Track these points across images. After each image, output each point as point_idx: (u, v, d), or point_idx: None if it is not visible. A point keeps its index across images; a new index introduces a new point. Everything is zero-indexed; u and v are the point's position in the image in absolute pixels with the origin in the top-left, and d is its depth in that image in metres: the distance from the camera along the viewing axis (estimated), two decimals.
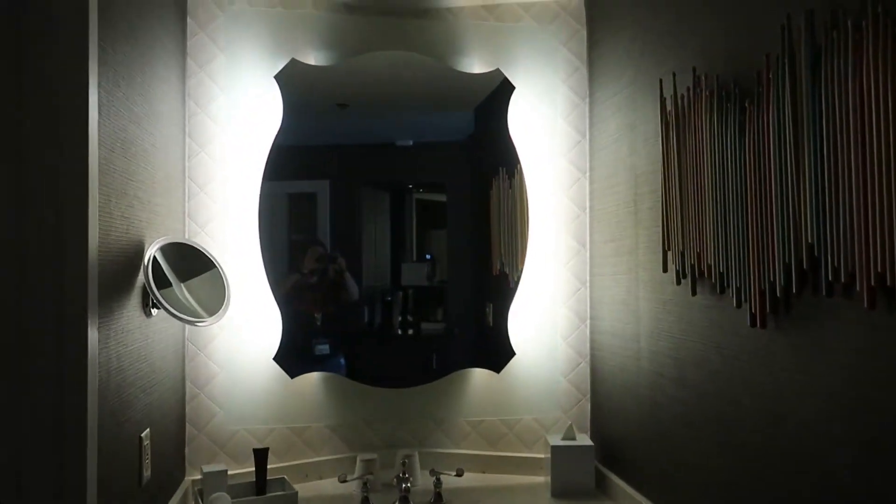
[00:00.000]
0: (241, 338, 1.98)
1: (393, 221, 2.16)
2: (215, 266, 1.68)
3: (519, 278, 2.10)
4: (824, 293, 1.06)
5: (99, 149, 1.19)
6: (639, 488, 1.77)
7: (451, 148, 2.22)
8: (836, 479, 1.08)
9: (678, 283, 1.52)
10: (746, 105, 1.24)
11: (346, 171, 2.13)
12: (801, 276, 1.11)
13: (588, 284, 2.13)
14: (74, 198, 1.11)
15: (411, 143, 2.17)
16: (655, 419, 1.68)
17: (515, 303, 2.10)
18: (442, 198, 2.23)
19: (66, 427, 1.11)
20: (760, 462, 1.26)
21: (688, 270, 1.47)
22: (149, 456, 1.53)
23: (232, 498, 1.77)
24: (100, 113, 1.20)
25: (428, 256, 2.19)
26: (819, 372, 1.10)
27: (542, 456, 2.10)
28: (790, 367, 1.17)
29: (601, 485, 1.95)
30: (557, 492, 1.93)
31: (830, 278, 1.03)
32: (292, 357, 2.01)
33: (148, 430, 1.53)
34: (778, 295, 1.16)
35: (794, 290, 1.12)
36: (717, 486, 1.41)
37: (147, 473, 1.52)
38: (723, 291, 1.35)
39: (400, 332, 2.15)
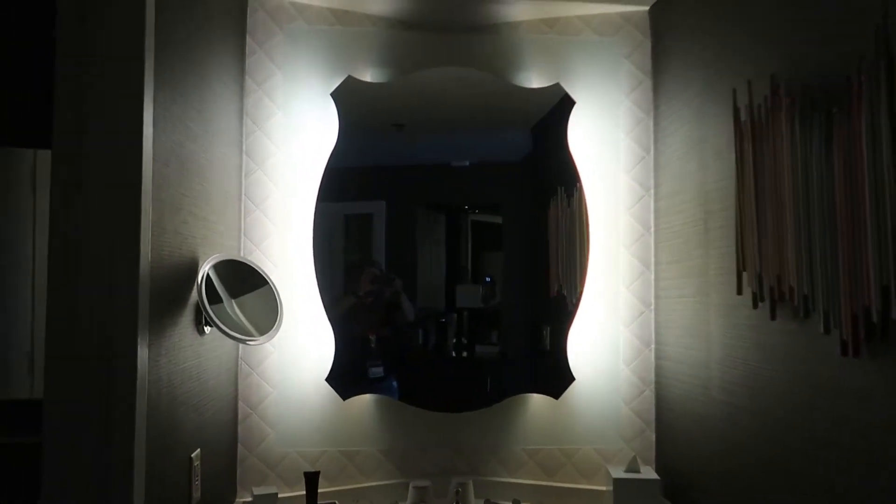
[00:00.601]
0: (295, 357, 1.95)
1: (448, 243, 2.11)
2: (269, 284, 1.65)
3: (578, 300, 2.01)
4: None
5: (153, 163, 1.18)
6: None
7: (508, 168, 2.16)
8: None
9: (755, 306, 1.41)
10: (834, 112, 1.14)
11: (402, 193, 2.09)
12: None
13: (653, 307, 2.03)
14: (127, 211, 1.10)
15: (467, 163, 2.12)
16: (729, 454, 1.55)
17: (575, 325, 2.01)
18: (498, 219, 2.17)
19: (113, 446, 1.08)
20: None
21: (766, 293, 1.36)
22: (199, 477, 1.50)
23: None
24: (154, 128, 1.19)
25: (487, 279, 2.12)
26: None
27: (603, 488, 1.99)
28: (890, 403, 1.05)
29: None
30: None
31: None
32: (345, 378, 1.97)
33: (199, 450, 1.51)
34: (874, 320, 1.05)
35: (892, 316, 1.01)
36: None
37: (197, 495, 1.49)
38: (807, 316, 1.24)
39: (454, 354, 2.09)
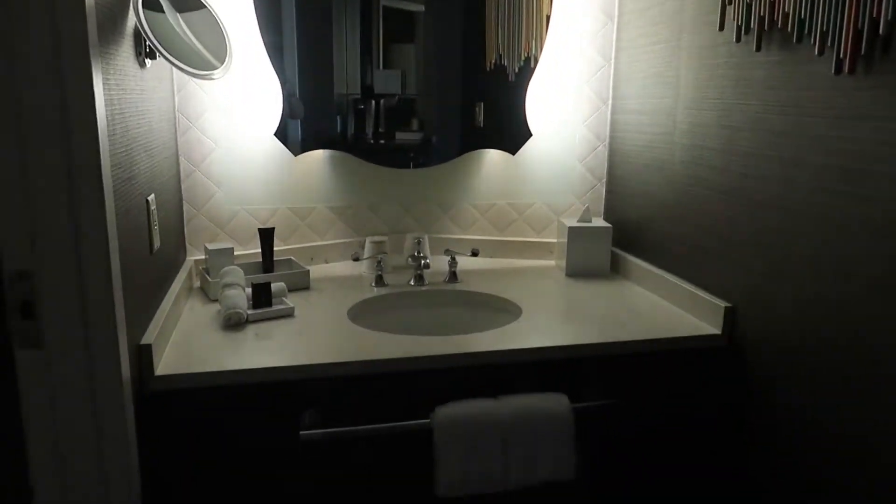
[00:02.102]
0: (237, 112, 1.80)
1: (363, 22, 1.88)
2: (207, 8, 1.45)
3: (520, 69, 1.92)
4: None
5: None
6: (662, 266, 1.75)
7: None
8: None
9: (738, 40, 1.38)
10: None
11: None
12: None
13: (612, 61, 1.98)
14: None
15: None
16: (691, 195, 1.61)
17: (533, 83, 1.95)
18: None
19: (78, 166, 0.96)
20: (831, 223, 1.21)
21: (754, 23, 1.32)
22: (157, 222, 1.41)
23: None
24: None
25: (399, 69, 1.93)
26: None
27: (553, 240, 2.07)
28: (881, 118, 1.08)
29: (616, 266, 1.94)
30: (572, 272, 1.91)
31: None
32: (295, 133, 1.85)
33: (153, 195, 1.40)
34: (881, 32, 1.04)
35: None
36: (770, 261, 1.38)
37: (157, 243, 1.41)
38: (800, 41, 1.22)
39: (373, 142, 1.97)
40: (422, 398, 1.34)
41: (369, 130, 1.94)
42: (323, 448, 1.32)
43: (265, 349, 1.35)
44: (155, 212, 1.39)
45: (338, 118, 1.93)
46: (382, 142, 1.96)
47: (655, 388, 1.47)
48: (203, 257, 1.79)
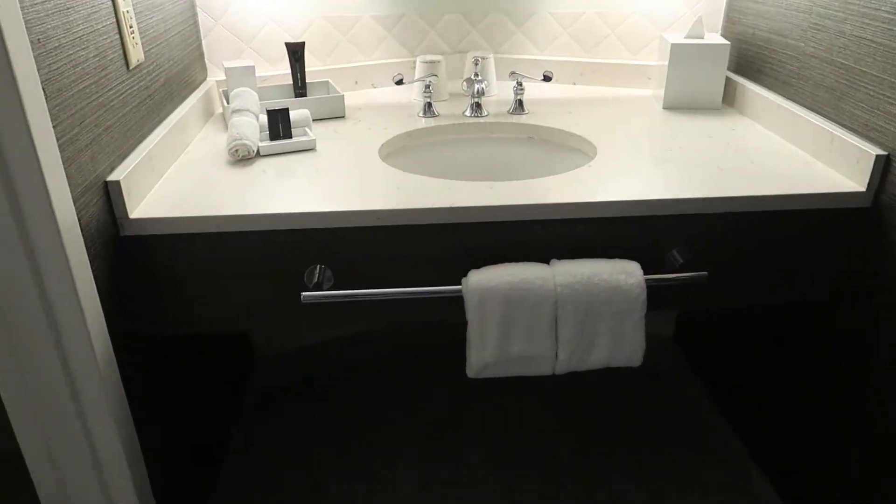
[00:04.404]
0: None
1: None
2: None
3: None
4: None
5: None
6: (791, 98, 1.32)
7: None
8: None
9: None
10: None
11: None
12: None
13: None
14: None
15: None
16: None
17: None
18: None
19: None
20: None
21: None
22: (135, 30, 1.13)
23: (264, 99, 1.43)
24: None
25: None
26: None
27: (652, 63, 1.64)
28: None
29: (730, 98, 1.51)
30: (672, 103, 1.51)
31: None
32: None
33: None
34: None
35: None
36: None
37: (139, 56, 1.15)
38: None
39: None
40: (458, 261, 1.08)
41: None
42: (329, 312, 1.10)
43: (271, 190, 1.11)
44: (130, 15, 1.11)
45: None
46: None
47: (762, 260, 1.13)
48: (223, 79, 1.54)
